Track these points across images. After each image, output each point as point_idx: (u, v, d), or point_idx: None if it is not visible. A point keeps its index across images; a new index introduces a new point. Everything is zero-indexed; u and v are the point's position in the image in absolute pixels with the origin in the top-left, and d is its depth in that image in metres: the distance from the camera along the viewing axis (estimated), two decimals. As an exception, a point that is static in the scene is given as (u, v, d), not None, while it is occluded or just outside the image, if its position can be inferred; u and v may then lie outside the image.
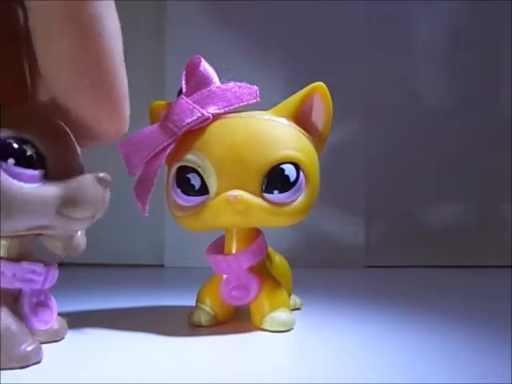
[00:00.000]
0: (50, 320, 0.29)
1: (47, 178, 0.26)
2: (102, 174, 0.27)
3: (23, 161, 0.25)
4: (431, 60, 0.82)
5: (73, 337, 0.33)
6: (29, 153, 0.25)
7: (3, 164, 0.24)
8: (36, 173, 0.25)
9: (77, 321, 0.37)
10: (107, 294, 0.51)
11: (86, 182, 0.26)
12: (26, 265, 0.27)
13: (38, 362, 0.26)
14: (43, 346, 0.27)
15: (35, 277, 0.28)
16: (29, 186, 0.25)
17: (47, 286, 0.29)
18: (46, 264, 0.29)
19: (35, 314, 0.28)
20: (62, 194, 0.26)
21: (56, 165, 0.26)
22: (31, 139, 0.26)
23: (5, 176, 0.24)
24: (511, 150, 0.80)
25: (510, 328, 0.35)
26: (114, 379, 0.24)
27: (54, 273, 0.29)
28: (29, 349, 0.26)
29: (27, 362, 0.26)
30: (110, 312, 0.42)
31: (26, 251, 0.28)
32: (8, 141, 0.25)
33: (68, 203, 0.26)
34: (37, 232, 0.27)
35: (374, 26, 0.83)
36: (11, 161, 0.25)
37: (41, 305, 0.29)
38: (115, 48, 0.26)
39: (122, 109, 0.27)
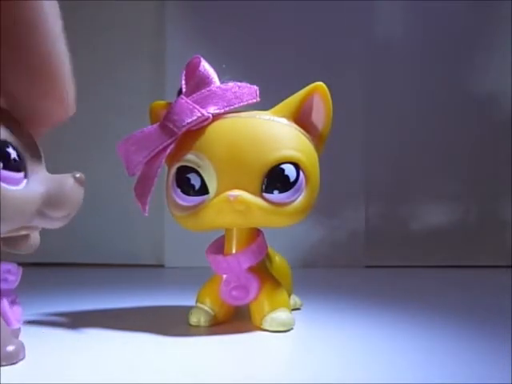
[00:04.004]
0: (21, 318, 0.29)
1: (26, 178, 0.26)
2: (78, 174, 0.27)
3: (8, 164, 0.25)
4: (432, 59, 0.82)
5: (72, 337, 0.33)
6: (13, 156, 0.25)
7: None
8: (20, 175, 0.25)
9: (76, 320, 0.37)
10: (107, 294, 0.51)
11: (66, 181, 0.26)
12: (2, 265, 0.28)
13: (22, 359, 0.27)
14: (43, 346, 0.27)
15: (10, 276, 0.28)
16: (14, 188, 0.25)
17: (16, 284, 0.29)
18: (18, 264, 0.29)
19: (12, 313, 0.28)
20: (45, 195, 0.26)
21: (31, 165, 0.26)
22: (11, 141, 0.25)
23: None
24: (511, 150, 0.80)
25: (510, 328, 0.35)
26: (113, 379, 0.24)
27: (20, 272, 0.29)
28: (15, 347, 0.27)
29: (15, 359, 0.26)
30: (109, 312, 0.42)
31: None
32: None
33: (49, 203, 0.26)
34: (16, 233, 0.27)
35: (375, 26, 0.83)
36: (0, 165, 0.25)
37: (14, 304, 0.29)
38: (48, 20, 0.24)
39: (63, 87, 0.26)
